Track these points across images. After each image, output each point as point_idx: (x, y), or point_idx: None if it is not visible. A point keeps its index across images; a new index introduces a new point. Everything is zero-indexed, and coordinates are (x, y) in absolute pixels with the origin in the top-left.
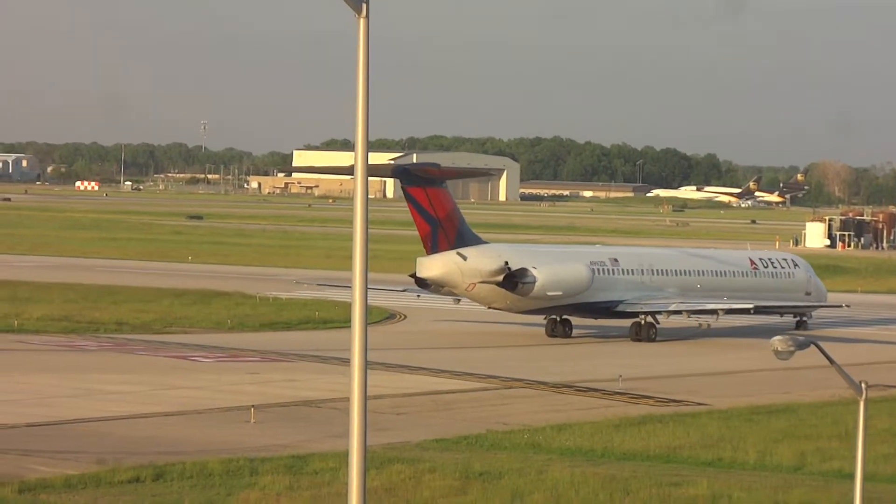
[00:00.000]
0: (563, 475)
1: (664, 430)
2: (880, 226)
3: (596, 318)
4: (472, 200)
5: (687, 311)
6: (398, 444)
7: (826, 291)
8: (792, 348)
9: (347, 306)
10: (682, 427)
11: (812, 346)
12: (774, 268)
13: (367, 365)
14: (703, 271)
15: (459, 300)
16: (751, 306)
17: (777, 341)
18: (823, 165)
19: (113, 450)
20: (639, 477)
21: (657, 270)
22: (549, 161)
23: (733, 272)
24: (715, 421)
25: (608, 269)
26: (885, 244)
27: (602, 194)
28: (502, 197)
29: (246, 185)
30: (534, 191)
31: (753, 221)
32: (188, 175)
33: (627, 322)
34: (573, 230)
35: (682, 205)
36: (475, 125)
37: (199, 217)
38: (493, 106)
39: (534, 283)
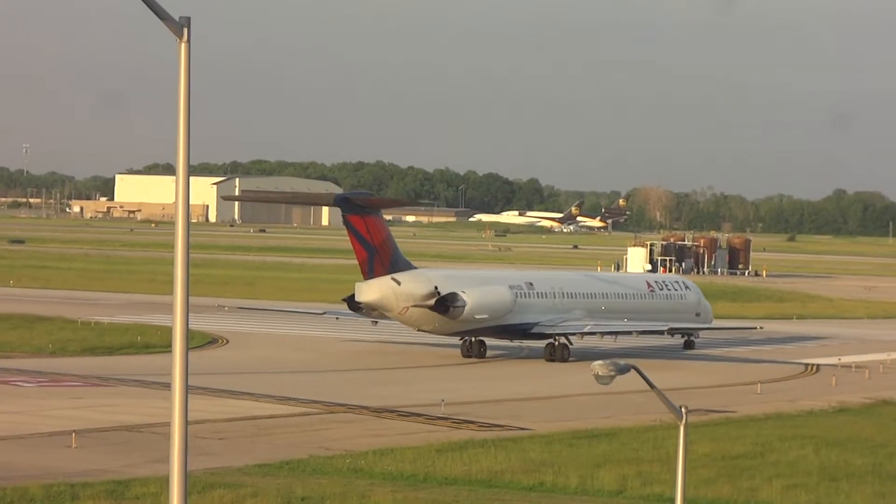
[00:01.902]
0: (385, 500)
1: (486, 454)
2: (701, 251)
3: (512, 340)
4: (295, 225)
5: (601, 332)
6: (220, 469)
7: (712, 312)
8: (612, 373)
9: (169, 331)
10: (503, 452)
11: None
12: (669, 290)
13: (187, 389)
14: (606, 294)
15: (377, 322)
16: (665, 328)
17: (598, 366)
18: (645, 191)
19: None
20: (460, 501)
21: (567, 293)
22: (372, 186)
23: (633, 294)
24: (537, 445)
25: (525, 293)
26: (705, 269)
27: (425, 219)
28: (325, 222)
29: (68, 210)
30: None
31: (575, 246)
32: (10, 199)
33: (542, 343)
34: None
35: (505, 230)
36: (298, 150)
37: (20, 241)
38: (316, 131)
39: (464, 306)
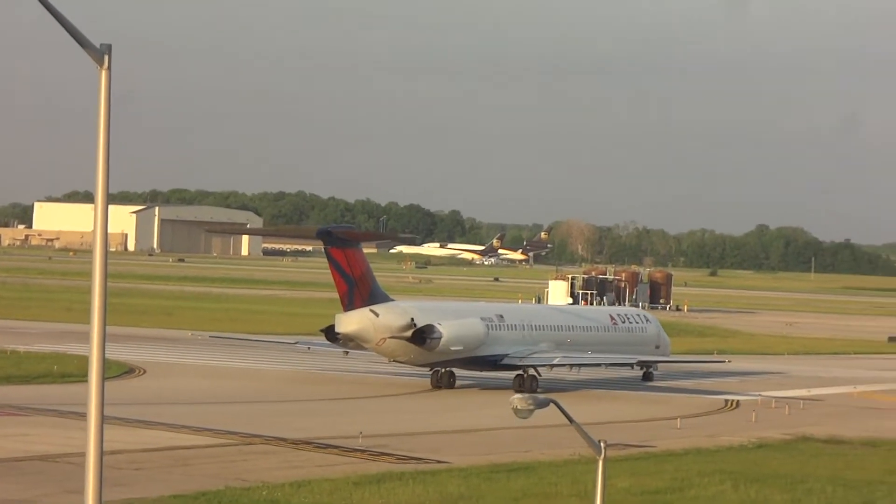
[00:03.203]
0: None
1: (404, 487)
2: (623, 284)
3: (482, 371)
4: (215, 255)
5: (569, 364)
6: (135, 500)
7: (670, 344)
8: (531, 407)
9: (86, 360)
10: (421, 485)
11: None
12: (630, 323)
13: (103, 419)
14: (572, 326)
15: (348, 352)
16: (634, 361)
17: (517, 400)
18: (567, 224)
19: None
20: None
21: (535, 326)
22: (293, 216)
23: (596, 327)
24: (455, 479)
25: (496, 325)
26: (627, 302)
27: None
28: (244, 252)
29: None
30: (276, 245)
31: (497, 279)
32: None
33: (511, 374)
34: (315, 286)
35: (426, 261)
36: (218, 179)
37: None
38: (237, 160)
39: (440, 338)
